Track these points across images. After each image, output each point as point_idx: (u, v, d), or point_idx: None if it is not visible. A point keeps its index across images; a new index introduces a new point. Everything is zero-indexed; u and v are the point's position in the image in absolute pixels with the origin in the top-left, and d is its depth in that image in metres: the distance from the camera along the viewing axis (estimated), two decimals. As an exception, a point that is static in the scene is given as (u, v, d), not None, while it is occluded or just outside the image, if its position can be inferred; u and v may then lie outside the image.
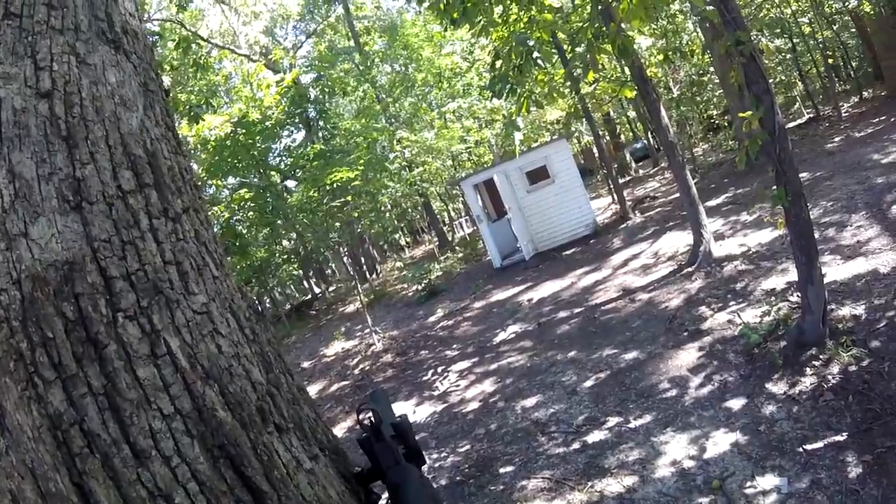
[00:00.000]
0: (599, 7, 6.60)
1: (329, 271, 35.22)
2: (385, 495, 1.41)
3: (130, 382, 1.09)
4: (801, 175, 4.92)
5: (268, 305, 26.80)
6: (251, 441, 1.19)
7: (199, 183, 15.62)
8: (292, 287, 33.87)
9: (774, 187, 4.82)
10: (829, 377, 4.42)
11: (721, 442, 4.29)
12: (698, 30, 18.00)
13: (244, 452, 1.16)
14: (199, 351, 1.21)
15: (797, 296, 5.59)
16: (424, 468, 1.43)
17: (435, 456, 5.96)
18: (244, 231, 16.74)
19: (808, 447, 3.85)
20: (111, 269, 1.16)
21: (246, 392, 1.25)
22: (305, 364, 13.15)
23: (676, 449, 4.43)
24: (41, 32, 1.27)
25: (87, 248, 1.15)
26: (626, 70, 13.63)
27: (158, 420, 1.10)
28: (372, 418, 1.35)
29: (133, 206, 1.24)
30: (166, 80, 15.66)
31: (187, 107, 9.80)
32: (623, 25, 6.15)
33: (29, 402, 1.04)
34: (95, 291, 1.12)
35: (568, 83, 13.12)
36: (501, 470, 5.18)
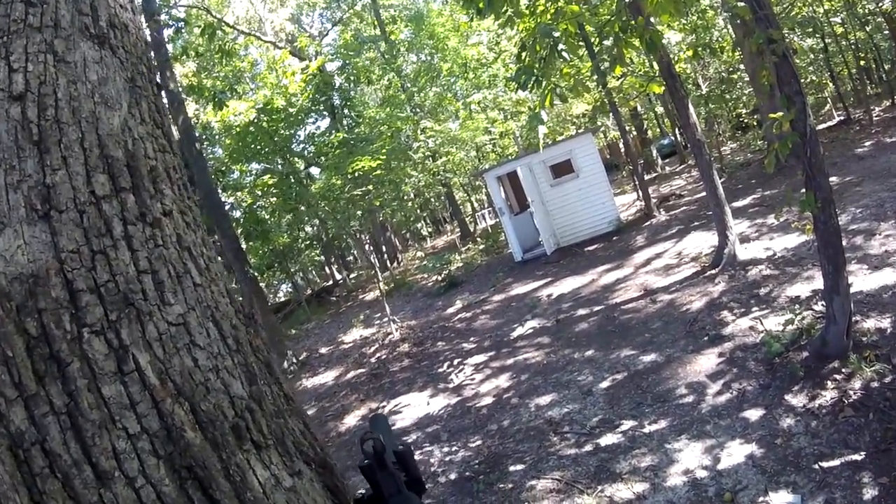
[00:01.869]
0: (627, 0, 6.45)
1: (350, 258, 35.44)
2: None
3: (93, 401, 1.05)
4: (829, 179, 4.77)
5: (288, 290, 27.05)
6: (222, 461, 1.14)
7: (223, 168, 15.78)
8: (314, 272, 34.17)
9: (803, 191, 4.68)
10: (851, 392, 4.30)
11: (736, 453, 4.21)
12: (728, 26, 17.61)
13: (212, 474, 1.11)
14: (172, 366, 1.16)
15: (822, 305, 5.44)
16: (425, 480, 1.39)
17: (446, 449, 5.96)
18: (267, 217, 16.88)
19: (825, 464, 3.75)
20: (78, 281, 1.10)
21: (221, 408, 1.19)
22: (323, 350, 13.25)
23: (690, 457, 4.36)
24: (17, 31, 1.21)
25: (54, 259, 1.09)
26: (655, 65, 13.38)
27: (123, 440, 1.06)
28: (375, 446, 1.32)
29: (106, 213, 1.18)
30: (191, 66, 15.79)
31: (212, 92, 9.86)
32: (651, 20, 6.02)
33: None
34: (59, 306, 1.07)
35: (594, 77, 12.93)
36: (511, 468, 5.15)
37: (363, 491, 1.33)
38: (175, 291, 1.24)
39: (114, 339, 1.10)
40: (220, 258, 1.62)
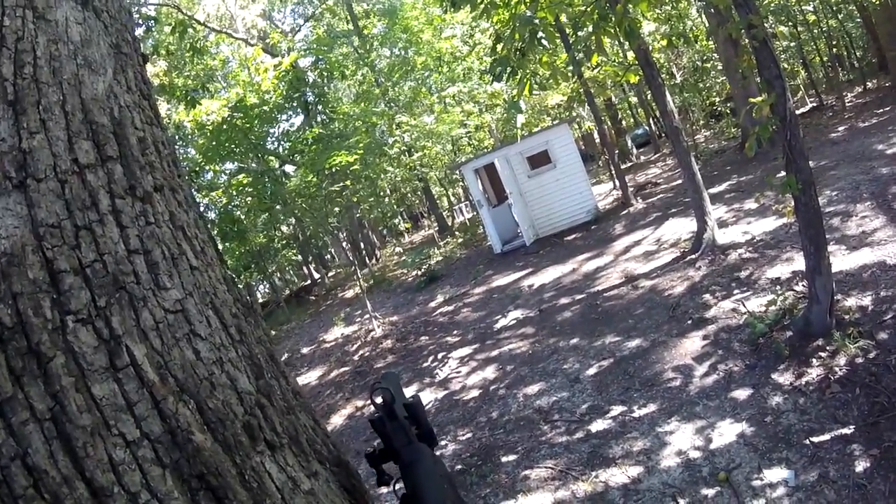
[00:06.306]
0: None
1: (328, 257, 35.15)
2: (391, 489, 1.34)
3: (83, 404, 0.89)
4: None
5: (266, 290, 26.78)
6: (237, 466, 1.00)
7: (197, 168, 15.50)
8: (291, 272, 33.85)
9: (782, 174, 4.75)
10: (836, 369, 4.38)
11: (727, 433, 4.26)
12: (702, 15, 17.81)
13: (227, 482, 0.97)
14: (172, 359, 1.01)
15: (803, 285, 5.54)
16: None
17: (436, 444, 5.93)
18: (242, 217, 16.64)
19: (815, 440, 3.82)
20: (59, 261, 0.94)
21: (230, 406, 1.06)
22: (305, 350, 13.14)
23: (682, 439, 4.40)
24: None
25: (31, 235, 0.94)
26: (629, 55, 13.46)
27: (121, 449, 0.90)
28: (384, 398, 1.26)
29: (91, 184, 1.03)
30: (162, 65, 15.49)
31: (184, 91, 9.65)
32: (629, 9, 6.04)
33: None
34: (38, 290, 0.91)
35: (570, 67, 12.97)
36: (504, 459, 5.15)
37: (371, 448, 1.28)
38: (170, 274, 1.09)
39: (103, 328, 0.94)
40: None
